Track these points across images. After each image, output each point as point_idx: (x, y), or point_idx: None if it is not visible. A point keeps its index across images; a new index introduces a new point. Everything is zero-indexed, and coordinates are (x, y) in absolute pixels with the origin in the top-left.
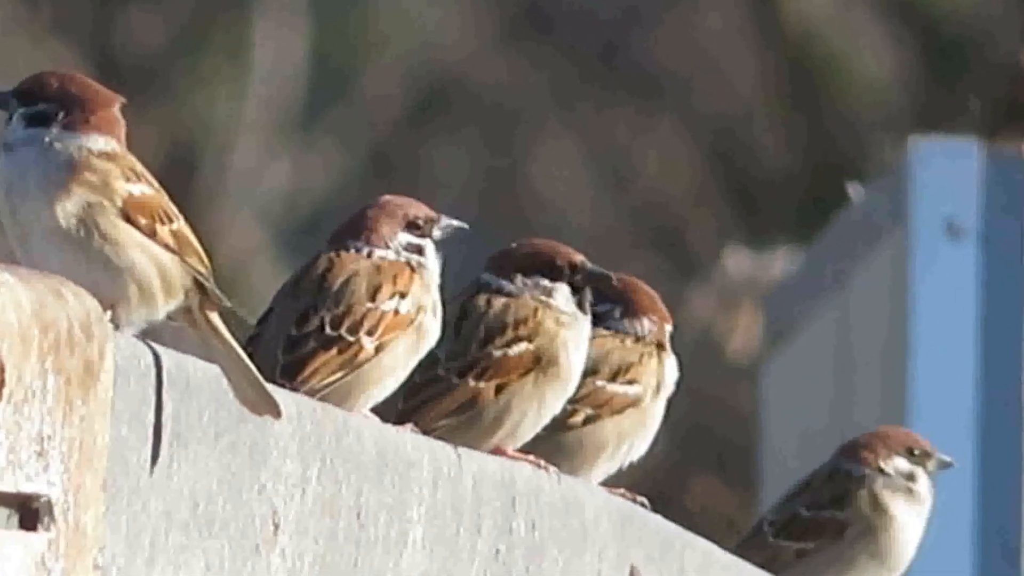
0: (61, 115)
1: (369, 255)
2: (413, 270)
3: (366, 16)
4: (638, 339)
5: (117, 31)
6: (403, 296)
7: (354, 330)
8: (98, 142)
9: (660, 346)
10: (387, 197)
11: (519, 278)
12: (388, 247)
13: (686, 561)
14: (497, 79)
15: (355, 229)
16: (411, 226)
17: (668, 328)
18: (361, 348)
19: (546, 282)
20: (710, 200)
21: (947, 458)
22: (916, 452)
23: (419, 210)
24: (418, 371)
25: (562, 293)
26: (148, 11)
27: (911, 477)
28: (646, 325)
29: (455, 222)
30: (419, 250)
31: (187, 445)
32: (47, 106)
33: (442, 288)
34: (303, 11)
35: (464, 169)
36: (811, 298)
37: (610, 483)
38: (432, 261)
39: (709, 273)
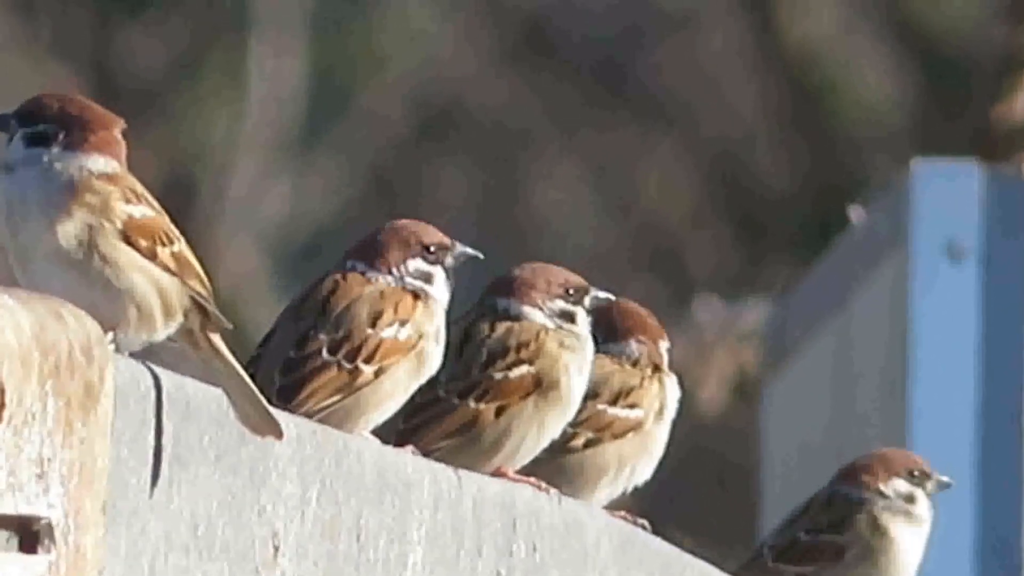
0: (61, 136)
1: (375, 280)
2: (417, 297)
3: (366, 37)
4: (635, 362)
5: (116, 53)
6: (403, 323)
7: (352, 357)
8: (98, 163)
9: (656, 367)
10: (402, 221)
11: (545, 303)
12: (393, 273)
13: None
14: (498, 100)
15: (365, 252)
16: (424, 252)
17: (664, 346)
18: (359, 373)
19: (569, 306)
20: (710, 222)
21: (946, 479)
22: (916, 473)
23: (432, 236)
24: (418, 392)
25: (582, 317)
26: (147, 33)
27: (911, 499)
28: (633, 347)
29: (469, 250)
30: (428, 278)
31: (187, 467)
32: (47, 127)
33: (447, 311)
34: (301, 32)
35: (464, 190)
36: (812, 319)
37: (612, 507)
38: (440, 289)
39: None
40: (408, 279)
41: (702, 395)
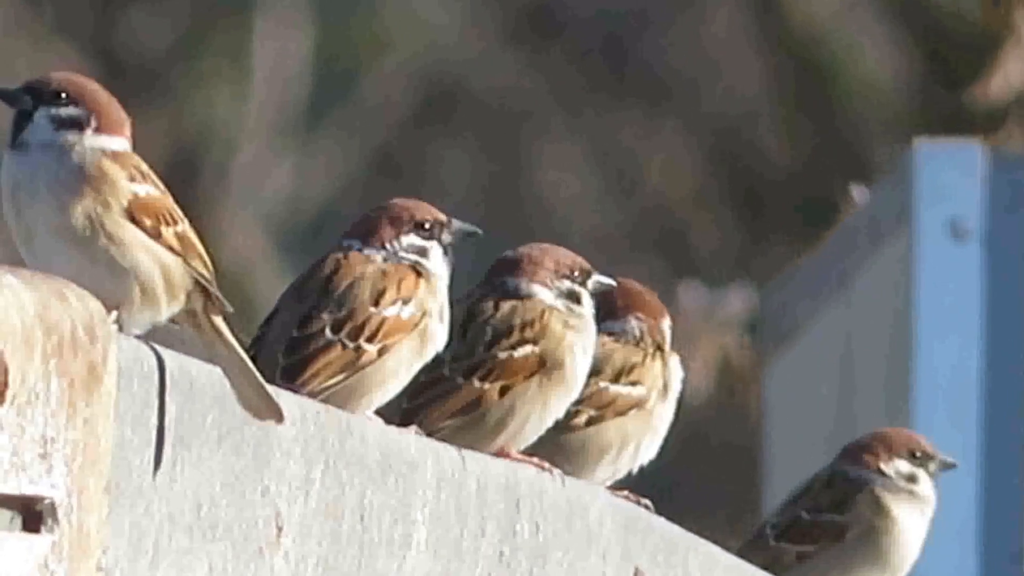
0: (93, 121)
1: (376, 258)
2: (419, 274)
3: (369, 18)
4: (637, 341)
5: (119, 33)
6: (406, 302)
7: (355, 335)
8: (112, 143)
9: (659, 347)
10: (397, 200)
11: (552, 282)
12: (387, 249)
13: (690, 563)
14: (502, 82)
15: (361, 231)
16: (417, 229)
17: (666, 324)
18: (363, 352)
19: (575, 287)
20: (714, 203)
21: (950, 459)
22: (918, 454)
23: (426, 213)
24: (423, 371)
25: (586, 298)
26: (150, 13)
27: (912, 479)
28: (633, 324)
29: (466, 226)
30: (422, 252)
31: (190, 447)
32: (79, 111)
33: (449, 291)
34: (305, 11)
35: (468, 172)
36: (815, 299)
37: (616, 487)
38: (438, 265)
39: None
40: (402, 253)
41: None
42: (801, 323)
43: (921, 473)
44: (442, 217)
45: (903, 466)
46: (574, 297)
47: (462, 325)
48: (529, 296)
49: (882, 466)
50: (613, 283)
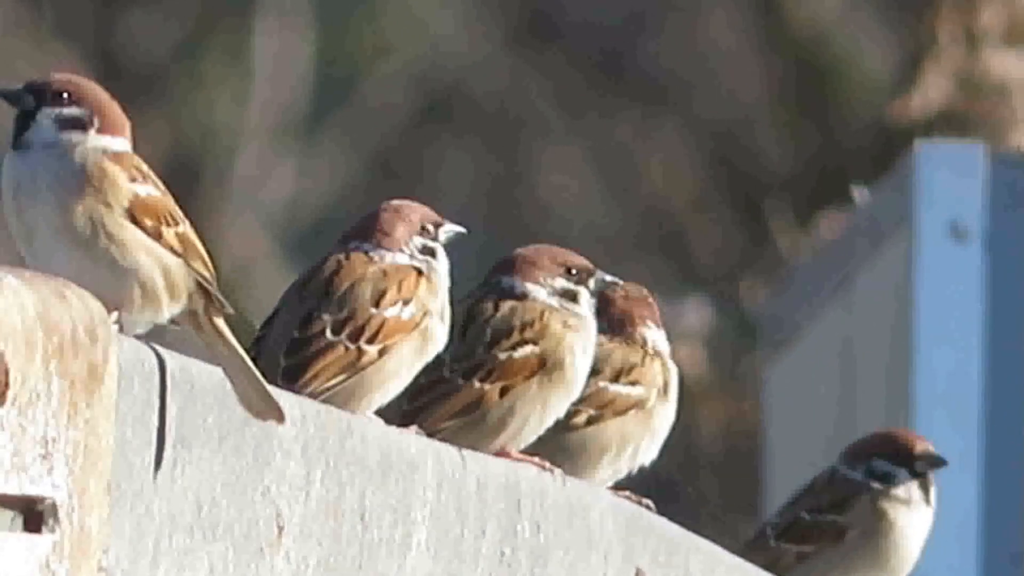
0: (96, 121)
1: (379, 259)
2: (420, 274)
3: (370, 21)
4: (641, 344)
5: (120, 34)
6: (407, 302)
7: (355, 337)
8: (115, 144)
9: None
10: (397, 201)
11: (546, 280)
12: (402, 250)
13: (691, 563)
14: (501, 85)
15: (368, 232)
16: (423, 229)
17: (660, 333)
18: (364, 353)
19: (570, 285)
20: (714, 205)
21: (941, 457)
22: (901, 455)
23: (428, 214)
24: (423, 372)
25: (584, 297)
26: (151, 14)
27: (891, 479)
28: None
29: (457, 227)
30: (433, 253)
31: (191, 448)
32: (81, 112)
33: (449, 292)
34: (306, 15)
35: (468, 174)
36: (815, 301)
37: (618, 486)
38: (443, 264)
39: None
40: (417, 255)
41: None
42: (801, 325)
43: (903, 473)
44: (438, 218)
45: (882, 466)
46: (569, 295)
47: (462, 326)
48: (525, 296)
49: (872, 466)
50: (619, 281)
